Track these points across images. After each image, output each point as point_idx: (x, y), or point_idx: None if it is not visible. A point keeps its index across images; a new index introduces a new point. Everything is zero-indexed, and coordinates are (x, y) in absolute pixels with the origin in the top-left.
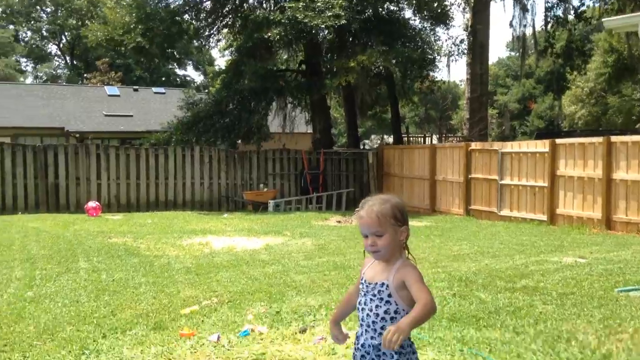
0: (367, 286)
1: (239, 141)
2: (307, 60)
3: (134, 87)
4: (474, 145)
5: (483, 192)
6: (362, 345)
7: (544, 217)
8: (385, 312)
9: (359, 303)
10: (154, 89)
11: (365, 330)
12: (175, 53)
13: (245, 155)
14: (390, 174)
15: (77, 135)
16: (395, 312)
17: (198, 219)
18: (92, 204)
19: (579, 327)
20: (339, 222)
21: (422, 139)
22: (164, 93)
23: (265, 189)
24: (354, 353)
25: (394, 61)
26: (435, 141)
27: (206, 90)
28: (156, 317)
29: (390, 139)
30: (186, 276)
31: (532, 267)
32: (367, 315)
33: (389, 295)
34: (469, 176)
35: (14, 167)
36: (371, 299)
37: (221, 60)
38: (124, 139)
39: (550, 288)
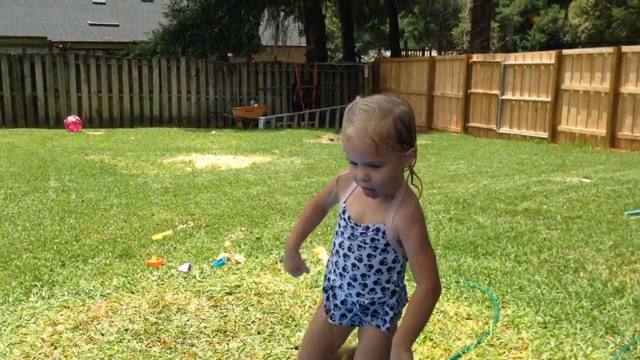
0: (353, 227)
1: (230, 54)
2: None
3: None
4: (476, 58)
5: (482, 109)
6: (343, 303)
7: (545, 135)
8: (382, 262)
9: (339, 246)
10: None
11: (349, 284)
12: None
13: (234, 69)
14: (387, 89)
15: (61, 45)
16: (394, 260)
17: (184, 135)
18: (72, 118)
19: (587, 255)
20: (332, 140)
21: (421, 53)
22: (152, 1)
23: (256, 105)
24: (322, 310)
25: None
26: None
27: None
28: (124, 244)
29: (388, 54)
30: (163, 197)
31: (534, 188)
32: (354, 265)
33: (386, 244)
34: (469, 91)
35: None
36: (360, 246)
37: None
38: (109, 50)
39: (554, 211)
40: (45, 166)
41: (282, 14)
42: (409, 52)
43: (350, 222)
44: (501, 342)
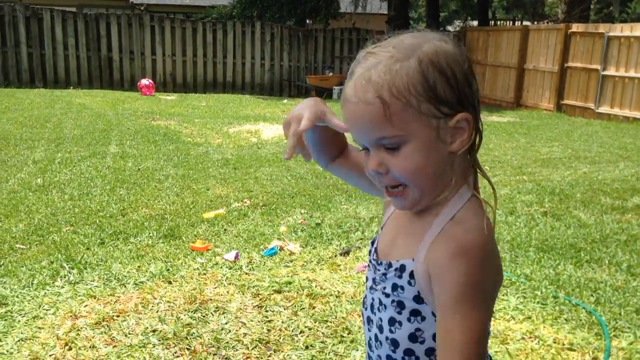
0: (374, 267)
1: (309, 20)
2: None
3: None
4: (576, 28)
5: (580, 85)
6: None
7: None
8: (412, 337)
9: (363, 304)
10: None
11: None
12: None
13: (310, 35)
14: (472, 61)
15: (142, 7)
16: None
17: (255, 103)
18: (145, 81)
19: None
20: None
21: (511, 23)
22: None
23: (331, 74)
24: None
25: None
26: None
27: None
28: (171, 221)
29: (475, 24)
30: (222, 170)
31: None
32: (376, 339)
33: (417, 298)
34: (565, 65)
35: (65, 37)
36: (381, 302)
37: None
38: (188, 14)
39: None
40: (109, 130)
41: None
42: (497, 22)
43: (373, 260)
44: None
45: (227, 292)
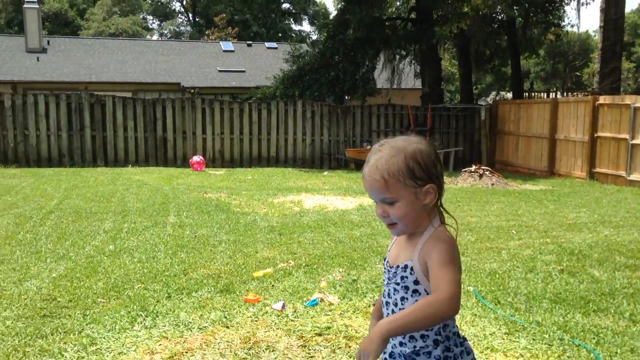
0: (389, 270)
1: (347, 96)
2: (418, 6)
3: (248, 42)
4: (603, 100)
5: (610, 153)
6: (391, 355)
7: None
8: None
9: (383, 295)
10: (267, 44)
11: None
12: (291, 8)
13: (348, 111)
14: (505, 132)
15: (192, 90)
16: None
17: (297, 176)
18: (196, 158)
19: None
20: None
21: (545, 94)
22: (276, 48)
23: (369, 147)
24: None
25: (514, 6)
26: (560, 97)
27: (311, 41)
28: (226, 279)
29: (509, 96)
30: (268, 235)
31: None
32: (393, 312)
33: (416, 282)
34: (595, 135)
35: (125, 121)
36: (395, 289)
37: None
38: (234, 95)
39: None
40: (167, 202)
41: (397, 57)
42: (533, 94)
43: (387, 266)
44: None
45: (276, 334)
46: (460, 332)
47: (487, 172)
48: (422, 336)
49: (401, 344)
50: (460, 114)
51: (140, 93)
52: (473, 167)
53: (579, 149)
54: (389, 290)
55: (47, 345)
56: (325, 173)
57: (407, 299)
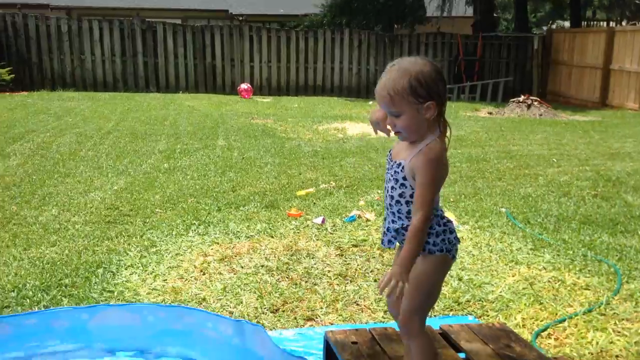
0: (389, 162)
1: (396, 25)
2: None
3: None
4: None
5: None
6: (388, 230)
7: None
8: (400, 195)
9: (385, 180)
10: None
11: (386, 212)
12: None
13: (396, 40)
14: (558, 62)
15: (240, 18)
16: (411, 196)
17: (342, 105)
18: (244, 86)
19: None
20: (490, 113)
21: (605, 23)
22: None
23: None
24: (382, 237)
25: None
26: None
27: None
28: (271, 197)
29: (568, 25)
30: (312, 159)
31: None
32: (387, 195)
33: (404, 179)
34: None
35: (175, 47)
36: (389, 178)
37: None
38: (282, 22)
39: None
40: (216, 127)
41: None
42: (593, 23)
43: (389, 158)
44: (614, 313)
45: (316, 245)
46: (444, 214)
47: (535, 103)
48: (408, 218)
49: (392, 221)
50: (513, 43)
51: (190, 20)
52: (521, 98)
53: (633, 80)
54: (388, 177)
55: (113, 245)
56: (371, 103)
57: (395, 188)
